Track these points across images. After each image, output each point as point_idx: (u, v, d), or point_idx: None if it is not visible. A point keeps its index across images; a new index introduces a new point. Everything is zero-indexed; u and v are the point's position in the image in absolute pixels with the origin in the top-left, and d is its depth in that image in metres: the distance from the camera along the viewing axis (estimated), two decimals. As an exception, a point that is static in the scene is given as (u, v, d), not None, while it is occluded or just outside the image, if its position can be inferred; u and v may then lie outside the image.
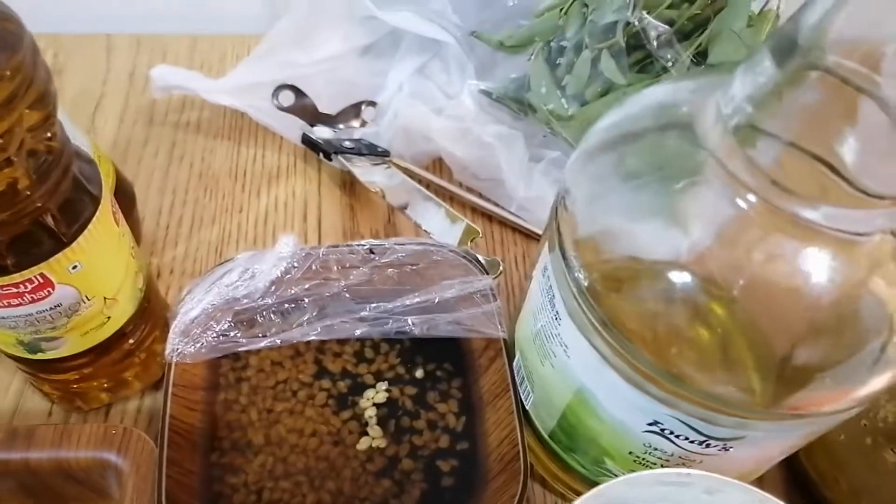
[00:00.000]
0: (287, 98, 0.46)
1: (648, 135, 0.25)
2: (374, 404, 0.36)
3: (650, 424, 0.25)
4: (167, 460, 0.31)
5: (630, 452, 0.27)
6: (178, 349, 0.34)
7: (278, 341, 0.36)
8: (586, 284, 0.25)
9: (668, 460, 0.27)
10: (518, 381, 0.34)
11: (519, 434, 0.33)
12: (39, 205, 0.26)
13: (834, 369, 0.22)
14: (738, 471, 0.28)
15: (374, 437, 0.35)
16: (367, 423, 0.35)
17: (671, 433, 0.25)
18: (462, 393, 0.37)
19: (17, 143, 0.24)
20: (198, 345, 0.35)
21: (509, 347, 0.35)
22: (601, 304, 0.24)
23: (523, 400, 0.33)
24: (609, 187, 0.25)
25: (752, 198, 0.21)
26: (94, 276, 0.29)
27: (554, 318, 0.27)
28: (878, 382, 0.23)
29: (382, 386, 0.37)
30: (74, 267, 0.28)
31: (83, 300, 0.30)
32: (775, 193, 0.21)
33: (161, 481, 0.30)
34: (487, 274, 0.38)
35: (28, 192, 0.25)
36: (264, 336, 0.36)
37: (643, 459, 0.27)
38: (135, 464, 0.31)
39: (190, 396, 0.34)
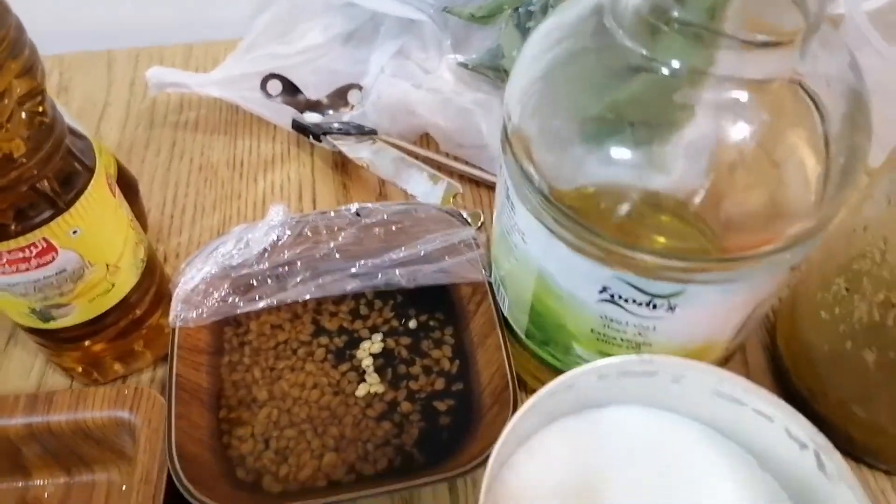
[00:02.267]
0: (275, 87, 0.48)
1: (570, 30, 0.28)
2: (371, 354, 0.38)
3: (601, 292, 0.27)
4: (175, 414, 0.33)
5: (592, 330, 0.29)
6: (180, 315, 0.36)
7: (275, 302, 0.38)
8: (528, 167, 0.27)
9: (625, 332, 0.28)
10: (496, 290, 0.36)
11: (507, 364, 0.34)
12: (35, 172, 0.28)
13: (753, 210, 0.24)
14: (695, 339, 0.29)
15: (372, 384, 0.37)
16: (364, 372, 0.37)
17: (620, 297, 0.27)
18: (454, 339, 0.38)
19: (8, 112, 0.26)
20: (199, 310, 0.37)
21: (494, 289, 0.37)
22: (544, 178, 0.27)
23: (501, 307, 0.36)
24: (547, 80, 0.28)
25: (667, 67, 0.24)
26: (95, 241, 0.32)
27: (510, 209, 0.30)
28: (785, 225, 0.25)
29: (378, 338, 0.38)
30: (75, 232, 0.30)
31: (86, 266, 0.32)
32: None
33: (170, 432, 0.32)
34: (470, 226, 0.39)
35: (24, 160, 0.28)
36: (261, 299, 0.38)
37: (604, 336, 0.29)
38: (146, 419, 0.33)
39: (195, 359, 0.36)
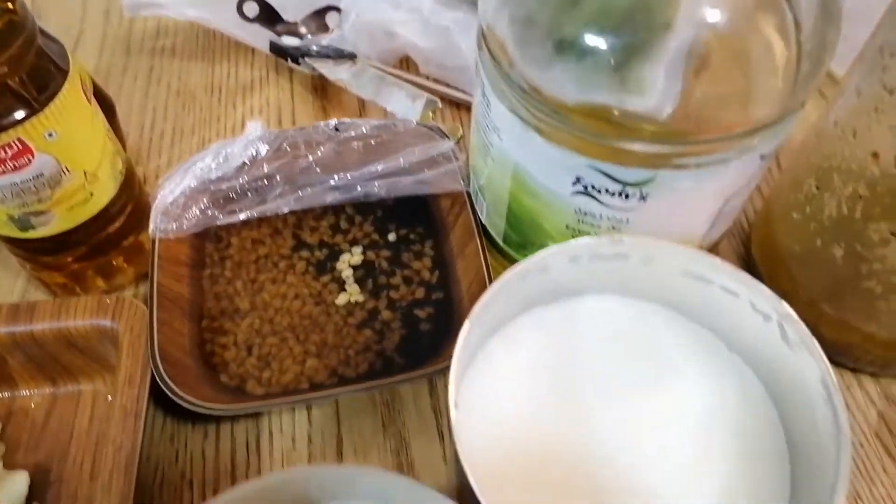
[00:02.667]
0: (252, 9, 0.48)
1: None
2: (351, 266, 0.38)
3: (574, 184, 0.27)
4: (158, 320, 0.34)
5: (567, 226, 0.29)
6: (160, 227, 0.36)
7: (255, 214, 0.38)
8: (503, 62, 0.28)
9: (599, 226, 0.29)
10: (474, 200, 0.37)
11: (485, 269, 0.35)
12: (6, 69, 0.28)
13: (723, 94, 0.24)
14: (668, 233, 0.30)
15: (352, 294, 0.37)
16: (345, 283, 0.38)
17: (593, 188, 0.27)
18: (434, 251, 0.39)
19: (-26, 2, 0.26)
20: (179, 222, 0.37)
21: (472, 199, 0.37)
22: (519, 73, 0.27)
23: (480, 215, 0.36)
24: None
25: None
26: (71, 146, 0.32)
27: (486, 108, 0.30)
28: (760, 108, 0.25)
29: (358, 250, 0.39)
30: (50, 134, 0.30)
31: (64, 172, 0.32)
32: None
33: (153, 336, 0.33)
34: (449, 139, 0.39)
35: (-7, 55, 0.27)
36: (241, 211, 0.38)
37: (579, 232, 0.30)
38: (128, 326, 0.34)
39: (176, 270, 0.37)
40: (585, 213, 0.30)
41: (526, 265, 0.25)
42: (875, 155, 0.29)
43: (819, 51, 0.27)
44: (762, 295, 0.24)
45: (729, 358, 0.27)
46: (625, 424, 0.26)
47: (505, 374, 0.27)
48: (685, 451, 0.25)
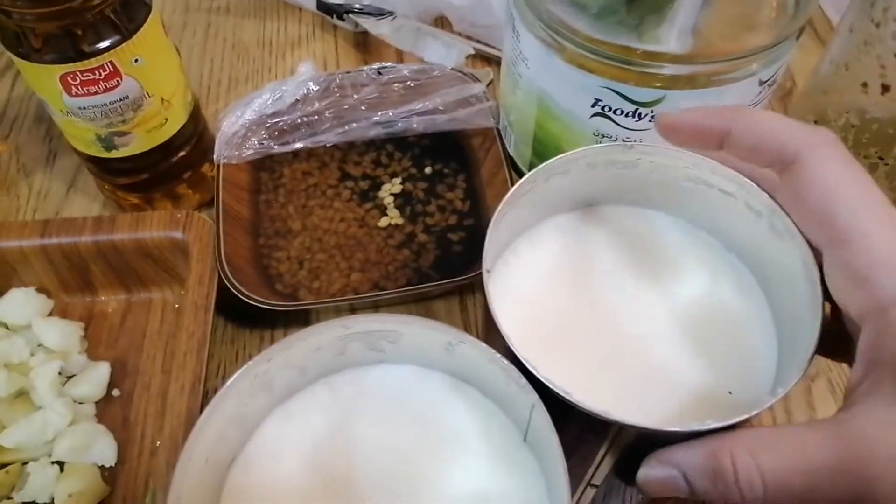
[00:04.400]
0: (301, -30, 0.52)
1: None
2: (392, 194, 0.42)
3: (593, 106, 0.31)
4: (223, 232, 0.38)
5: None
6: (224, 153, 0.41)
7: (306, 145, 0.43)
8: None
9: None
10: (504, 135, 0.41)
11: (512, 193, 0.39)
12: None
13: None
14: None
15: (393, 217, 0.41)
16: (386, 208, 0.42)
17: (609, 109, 0.31)
18: (466, 184, 0.43)
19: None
20: (239, 151, 0.41)
21: (501, 135, 0.41)
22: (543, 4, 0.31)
23: (508, 148, 0.40)
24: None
25: None
26: (152, 73, 0.36)
27: (516, 40, 0.33)
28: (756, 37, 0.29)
29: (398, 181, 0.43)
30: (136, 60, 0.35)
31: (145, 96, 0.36)
32: None
33: (219, 243, 0.37)
34: (480, 82, 0.43)
35: (94, -13, 0.32)
36: (294, 142, 0.42)
37: None
38: (197, 237, 0.38)
39: (237, 193, 0.41)
40: (602, 136, 0.33)
41: (551, 165, 0.29)
42: (864, 85, 0.32)
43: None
44: (755, 194, 0.28)
45: (725, 255, 0.30)
46: (635, 309, 0.29)
47: (530, 269, 0.31)
48: (686, 330, 0.29)
